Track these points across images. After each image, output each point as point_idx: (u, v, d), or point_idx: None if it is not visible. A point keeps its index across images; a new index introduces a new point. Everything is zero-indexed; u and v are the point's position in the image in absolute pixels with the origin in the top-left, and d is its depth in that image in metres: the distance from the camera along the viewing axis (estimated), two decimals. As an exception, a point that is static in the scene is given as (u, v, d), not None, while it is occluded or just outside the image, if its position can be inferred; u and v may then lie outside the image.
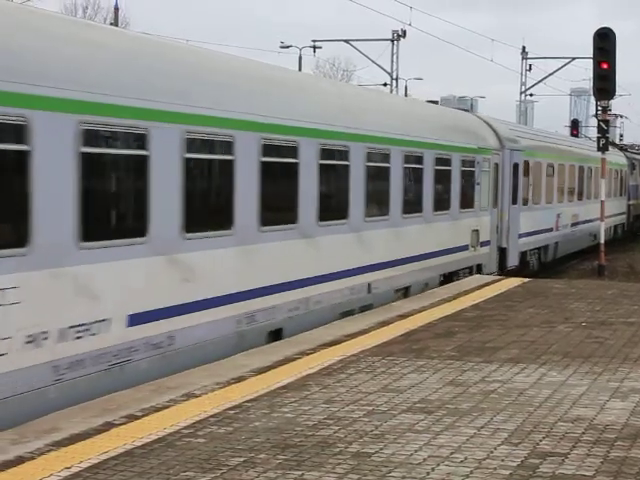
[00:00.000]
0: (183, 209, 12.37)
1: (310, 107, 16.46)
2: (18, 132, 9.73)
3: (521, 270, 28.48)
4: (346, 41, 56.26)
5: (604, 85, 30.88)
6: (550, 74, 59.39)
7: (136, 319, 11.57)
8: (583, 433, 8.99)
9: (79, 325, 10.60)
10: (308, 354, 12.86)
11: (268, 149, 14.34)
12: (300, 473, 7.71)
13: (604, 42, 30.55)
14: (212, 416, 9.48)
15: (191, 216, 12.52)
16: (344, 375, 11.54)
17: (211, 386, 10.79)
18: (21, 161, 9.81)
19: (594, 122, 35.23)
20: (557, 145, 36.42)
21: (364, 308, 17.74)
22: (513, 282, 22.24)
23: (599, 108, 32.33)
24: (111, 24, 50.89)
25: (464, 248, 23.78)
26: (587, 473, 7.75)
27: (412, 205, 20.42)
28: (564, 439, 8.78)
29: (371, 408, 9.91)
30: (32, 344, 9.89)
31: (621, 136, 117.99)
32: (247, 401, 10.13)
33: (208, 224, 13.07)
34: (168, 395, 10.29)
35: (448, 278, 22.72)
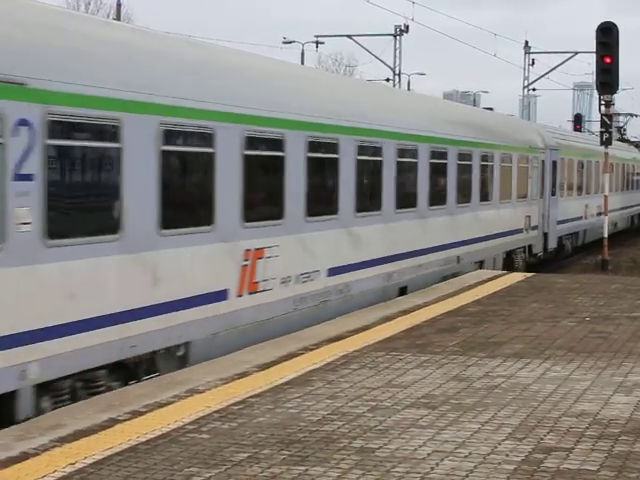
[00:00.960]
0: (355, 197, 17.62)
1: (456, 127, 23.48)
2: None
3: (558, 252, 34.27)
4: (349, 36, 56.18)
5: (607, 79, 30.86)
6: (553, 69, 59.33)
7: (332, 271, 16.79)
8: (587, 428, 8.99)
9: (305, 273, 15.80)
10: (311, 350, 12.87)
11: (400, 153, 19.66)
12: (304, 468, 7.71)
13: (607, 36, 30.52)
14: (216, 412, 9.49)
15: (359, 201, 17.78)
16: (348, 371, 11.54)
17: (215, 382, 10.79)
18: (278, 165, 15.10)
19: (597, 116, 36.08)
20: (585, 145, 41.12)
21: (454, 274, 22.77)
22: (516, 277, 22.23)
23: (602, 102, 32.31)
24: (114, 19, 50.84)
25: (520, 231, 28.73)
26: (591, 468, 7.75)
27: (485, 194, 25.43)
28: (568, 434, 8.78)
29: (375, 403, 9.90)
30: (283, 284, 15.07)
31: (624, 130, 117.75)
32: (251, 397, 10.13)
33: (367, 207, 18.31)
34: (172, 391, 10.29)
35: (509, 255, 27.74)
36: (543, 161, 31.11)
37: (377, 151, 18.49)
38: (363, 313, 16.40)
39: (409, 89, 72.26)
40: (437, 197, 21.66)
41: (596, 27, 30.84)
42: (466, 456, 8.07)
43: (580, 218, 37.81)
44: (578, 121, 74.10)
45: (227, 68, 14.61)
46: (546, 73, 60.28)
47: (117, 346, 11.06)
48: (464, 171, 23.50)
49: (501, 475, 7.56)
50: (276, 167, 14.98)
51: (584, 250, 38.78)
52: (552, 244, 32.43)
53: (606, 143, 32.33)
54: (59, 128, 10.29)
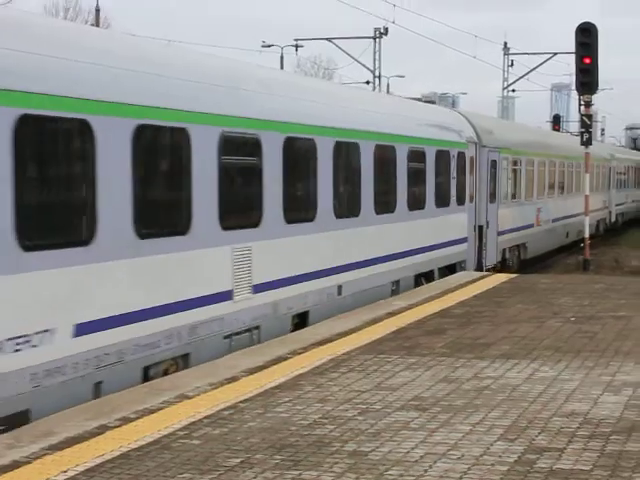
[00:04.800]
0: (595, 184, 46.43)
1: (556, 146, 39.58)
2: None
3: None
4: (328, 39, 56.21)
5: (587, 79, 30.98)
6: (531, 70, 59.48)
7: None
8: (578, 428, 9.01)
9: (554, 219, 37.42)
10: (299, 353, 12.84)
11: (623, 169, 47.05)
12: (298, 473, 7.69)
13: (586, 37, 30.66)
14: (206, 417, 9.45)
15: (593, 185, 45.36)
16: (336, 374, 11.53)
17: (204, 387, 10.75)
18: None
19: (575, 117, 37.89)
20: (629, 156, 65.34)
21: (624, 213, 55.63)
22: (500, 278, 22.26)
23: (582, 103, 32.44)
24: (92, 25, 50.63)
25: (624, 203, 55.89)
26: (584, 467, 7.76)
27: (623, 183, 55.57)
28: (560, 434, 8.79)
29: (365, 406, 9.89)
30: (545, 223, 35.28)
31: (602, 130, 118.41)
32: (241, 401, 10.10)
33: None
34: (161, 397, 10.24)
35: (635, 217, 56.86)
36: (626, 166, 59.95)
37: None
38: (349, 316, 16.37)
39: (388, 92, 72.28)
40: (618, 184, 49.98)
41: (575, 27, 31.02)
42: (459, 458, 8.07)
43: None
44: (557, 122, 74.38)
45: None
46: (525, 74, 60.43)
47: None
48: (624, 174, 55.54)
49: (495, 476, 7.56)
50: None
51: (567, 250, 39.62)
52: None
53: (586, 143, 32.44)
54: None
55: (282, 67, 64.36)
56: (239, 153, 14.19)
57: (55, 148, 10.57)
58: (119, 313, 11.26)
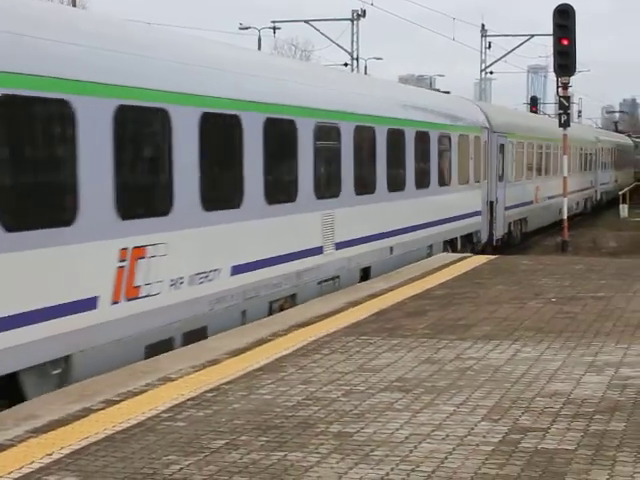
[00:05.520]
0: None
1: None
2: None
3: None
4: (306, 21, 56.09)
5: (564, 61, 31.11)
6: (510, 51, 59.53)
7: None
8: (562, 408, 9.04)
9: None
10: (281, 335, 12.83)
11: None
12: (283, 454, 7.69)
13: (564, 19, 30.73)
14: (190, 399, 9.44)
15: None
16: (319, 356, 11.53)
17: (186, 369, 10.73)
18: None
19: (551, 99, 39.03)
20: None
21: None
22: (480, 260, 22.31)
23: (560, 84, 32.51)
24: (68, 4, 50.28)
25: None
26: (569, 447, 7.79)
27: (607, 164, 59.85)
28: (543, 414, 8.82)
29: (349, 388, 9.90)
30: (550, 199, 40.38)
31: (579, 112, 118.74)
32: (224, 384, 10.09)
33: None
34: (144, 379, 10.21)
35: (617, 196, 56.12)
36: None
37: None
38: (329, 298, 16.37)
39: (366, 72, 72.19)
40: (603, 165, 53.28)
41: (553, 9, 31.06)
42: (444, 438, 8.08)
43: None
44: (534, 103, 74.64)
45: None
46: (503, 56, 60.42)
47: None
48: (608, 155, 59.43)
49: (480, 456, 7.58)
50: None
51: (544, 232, 39.91)
52: None
53: (564, 125, 32.54)
54: None
55: (260, 49, 64.13)
56: (326, 139, 17.63)
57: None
58: (257, 259, 15.01)
